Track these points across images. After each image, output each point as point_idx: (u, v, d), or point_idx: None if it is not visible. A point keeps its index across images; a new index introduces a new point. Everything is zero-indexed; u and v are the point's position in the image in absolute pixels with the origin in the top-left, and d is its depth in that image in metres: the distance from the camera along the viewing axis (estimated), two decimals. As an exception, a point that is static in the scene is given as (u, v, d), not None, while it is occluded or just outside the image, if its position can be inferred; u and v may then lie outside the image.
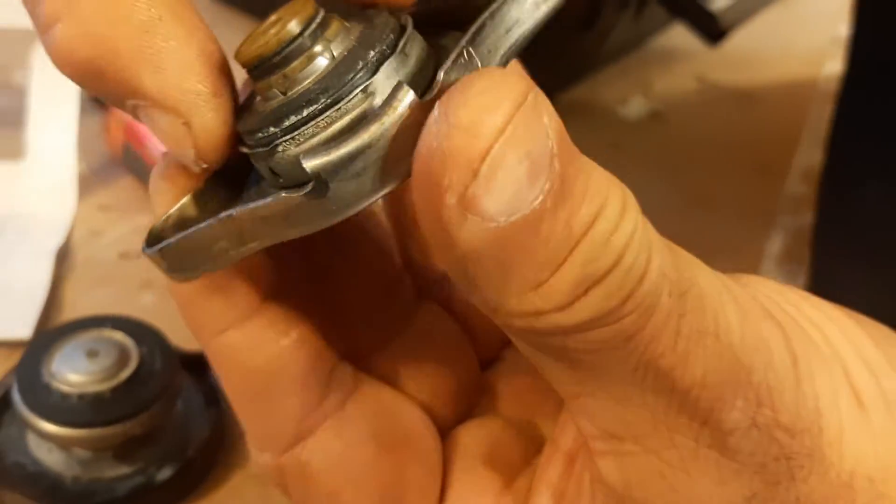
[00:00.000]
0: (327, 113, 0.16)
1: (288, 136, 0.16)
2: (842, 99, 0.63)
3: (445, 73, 0.16)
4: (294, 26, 0.17)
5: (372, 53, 0.16)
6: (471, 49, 0.16)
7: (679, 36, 0.73)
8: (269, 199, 0.16)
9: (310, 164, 0.15)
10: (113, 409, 0.33)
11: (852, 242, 0.61)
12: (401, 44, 0.17)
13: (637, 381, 0.17)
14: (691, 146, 0.63)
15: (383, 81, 0.16)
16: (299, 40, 0.17)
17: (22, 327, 0.41)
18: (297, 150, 0.16)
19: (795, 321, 0.19)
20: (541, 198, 0.15)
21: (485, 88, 0.15)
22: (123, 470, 0.34)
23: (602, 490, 0.18)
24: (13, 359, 0.38)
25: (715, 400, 0.17)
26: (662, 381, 0.16)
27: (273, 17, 0.17)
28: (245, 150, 0.17)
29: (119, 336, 0.36)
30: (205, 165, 0.17)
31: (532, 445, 0.22)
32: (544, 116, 0.15)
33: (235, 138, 0.17)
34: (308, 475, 0.20)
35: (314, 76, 0.16)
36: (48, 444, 0.34)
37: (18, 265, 0.45)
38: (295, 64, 0.17)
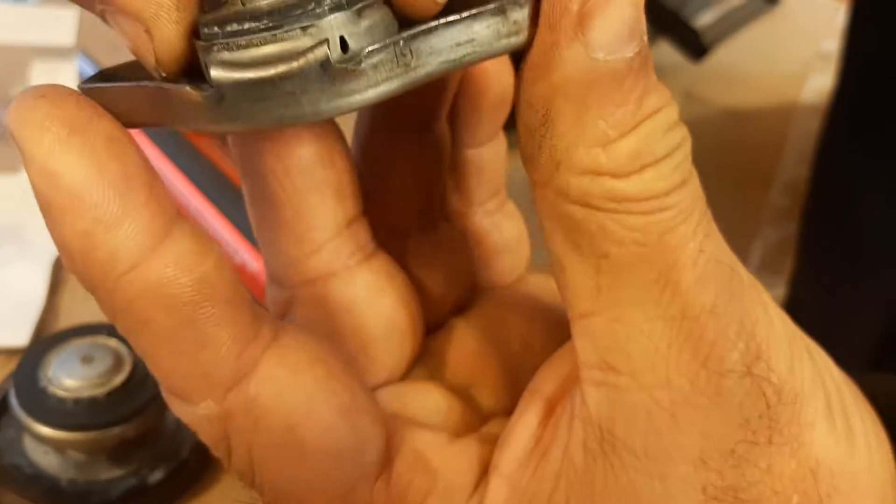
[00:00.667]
0: (263, 34, 0.17)
1: (224, 41, 0.17)
2: (831, 112, 0.64)
3: (367, 54, 0.16)
4: None
5: (328, 2, 0.17)
6: (410, 45, 0.17)
7: (663, 52, 0.74)
8: (176, 85, 0.17)
9: (213, 73, 0.16)
10: (107, 413, 0.34)
11: (838, 252, 0.62)
12: (360, 5, 0.17)
13: (652, 297, 0.17)
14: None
15: (326, 29, 0.17)
16: None
17: (19, 334, 0.42)
18: (224, 55, 0.17)
19: (790, 322, 0.20)
20: (633, 54, 0.17)
21: None
22: (117, 472, 0.35)
23: (583, 427, 0.19)
24: (10, 365, 0.38)
25: (720, 333, 0.18)
26: (675, 301, 0.17)
27: None
28: (196, 41, 0.18)
29: (113, 343, 0.36)
30: (164, 74, 0.17)
31: (473, 413, 0.23)
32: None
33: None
34: (259, 413, 0.19)
35: (268, 1, 0.17)
36: (44, 446, 0.35)
37: (16, 275, 0.46)
38: None
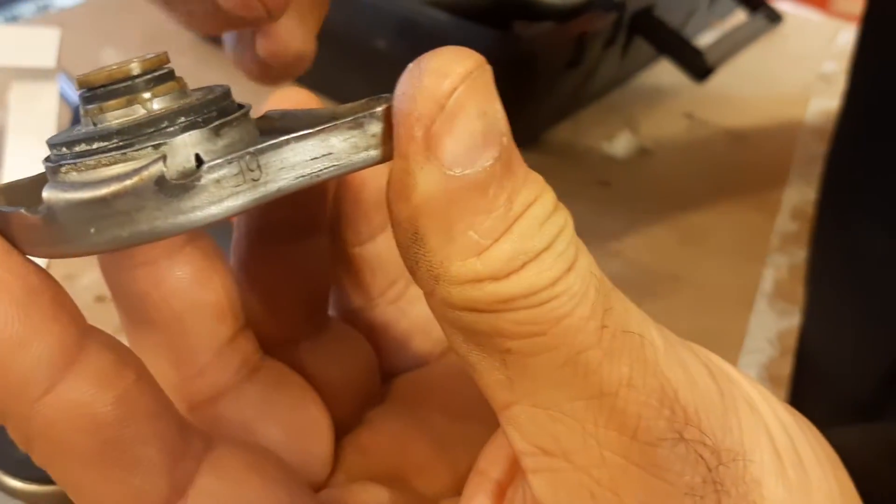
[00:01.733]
0: (112, 153, 0.17)
1: (72, 161, 0.17)
2: (836, 136, 0.63)
3: (207, 168, 0.16)
4: (132, 68, 0.18)
5: (183, 119, 0.17)
6: (259, 159, 0.17)
7: (665, 72, 0.73)
8: (13, 208, 0.17)
9: (46, 193, 0.16)
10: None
11: (847, 278, 0.60)
12: (217, 122, 0.17)
13: (566, 380, 0.17)
14: (681, 183, 0.63)
15: (180, 147, 0.17)
16: (126, 83, 0.18)
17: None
18: (73, 176, 0.17)
19: (722, 371, 0.19)
20: (492, 161, 0.17)
21: (454, 50, 0.17)
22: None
23: None
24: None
25: (642, 405, 0.17)
26: (590, 380, 0.17)
27: (134, 57, 0.18)
28: (44, 161, 0.18)
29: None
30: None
31: (419, 501, 0.23)
32: (497, 95, 0.17)
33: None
34: None
35: (123, 119, 0.17)
36: (14, 501, 0.33)
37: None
38: (112, 102, 0.18)
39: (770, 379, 0.49)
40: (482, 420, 0.21)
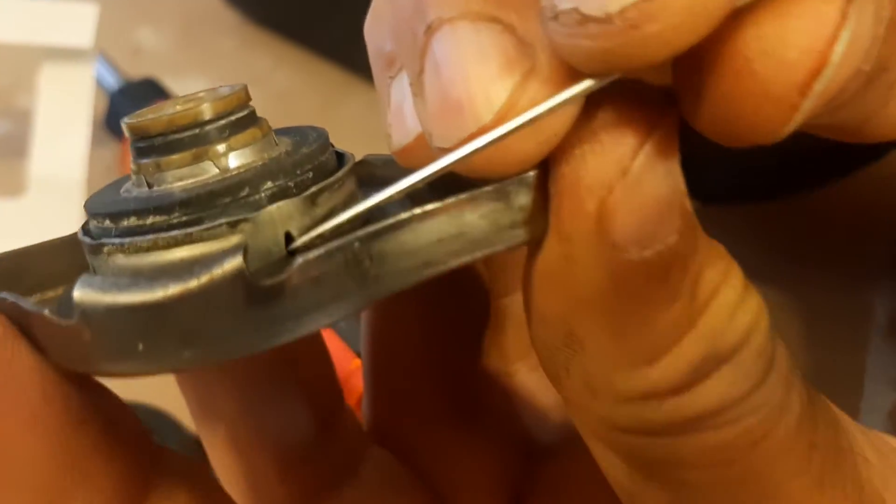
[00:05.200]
0: (173, 232, 0.13)
1: (118, 240, 0.14)
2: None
3: (302, 264, 0.13)
4: (202, 110, 0.14)
5: (270, 184, 0.14)
6: (370, 247, 0.13)
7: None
8: (32, 307, 0.14)
9: (78, 293, 0.13)
10: None
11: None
12: (314, 189, 0.14)
13: None
14: (777, 207, 0.57)
15: (266, 225, 0.13)
16: (193, 131, 0.14)
17: None
18: (119, 260, 0.14)
19: None
20: (675, 236, 0.13)
21: (636, 91, 0.14)
22: None
23: None
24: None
25: None
26: None
27: (202, 92, 0.15)
28: (79, 233, 0.15)
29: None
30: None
31: None
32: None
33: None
34: None
35: (189, 181, 0.14)
36: None
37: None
38: (175, 157, 0.14)
39: (894, 426, 0.43)
40: None
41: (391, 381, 0.21)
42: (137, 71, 0.54)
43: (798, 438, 0.14)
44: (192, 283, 0.12)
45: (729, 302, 0.14)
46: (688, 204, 0.14)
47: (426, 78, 0.14)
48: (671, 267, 0.14)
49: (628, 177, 0.13)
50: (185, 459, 0.16)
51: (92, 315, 0.13)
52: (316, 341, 0.21)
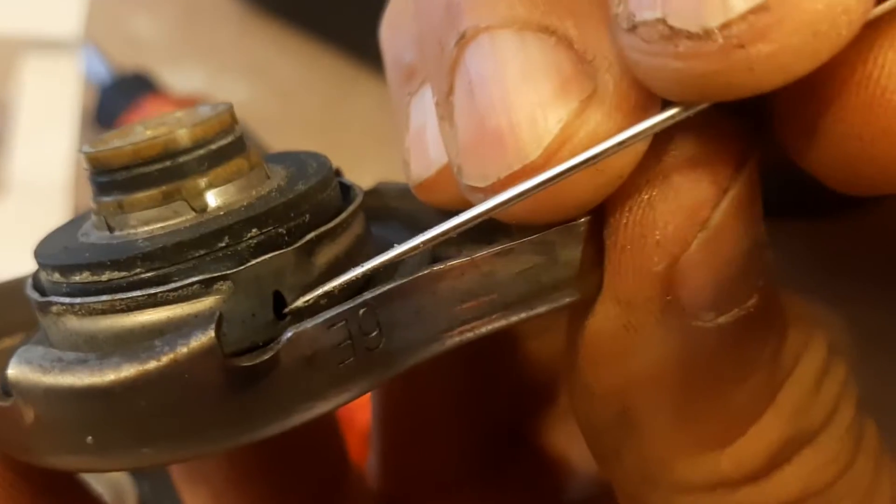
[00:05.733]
0: (134, 293, 0.12)
1: (69, 300, 0.12)
2: None
3: (290, 339, 0.11)
4: (177, 136, 0.12)
5: (255, 231, 0.12)
6: (379, 313, 0.11)
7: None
8: None
9: (12, 370, 0.11)
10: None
11: None
12: (311, 235, 0.12)
13: None
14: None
15: (249, 284, 0.11)
16: (163, 163, 0.12)
17: None
18: (71, 323, 0.12)
19: None
20: (756, 298, 0.12)
21: (714, 138, 0.12)
22: None
23: None
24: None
25: None
26: None
27: (178, 113, 0.13)
28: (28, 284, 0.13)
29: (115, 476, 0.30)
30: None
31: None
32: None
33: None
34: None
35: (154, 225, 0.12)
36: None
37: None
38: (141, 196, 0.12)
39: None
40: None
41: (405, 447, 0.20)
42: (131, 62, 0.53)
43: None
44: (150, 365, 0.10)
45: (814, 371, 0.13)
46: (770, 257, 0.12)
47: (456, 100, 0.12)
48: (751, 334, 0.12)
49: (707, 230, 0.12)
50: None
51: (31, 398, 0.11)
52: None
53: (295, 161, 0.14)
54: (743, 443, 0.13)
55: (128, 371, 0.11)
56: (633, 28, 0.10)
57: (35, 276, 0.13)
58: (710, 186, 0.12)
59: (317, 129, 0.55)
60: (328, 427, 0.19)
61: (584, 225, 0.12)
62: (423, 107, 0.13)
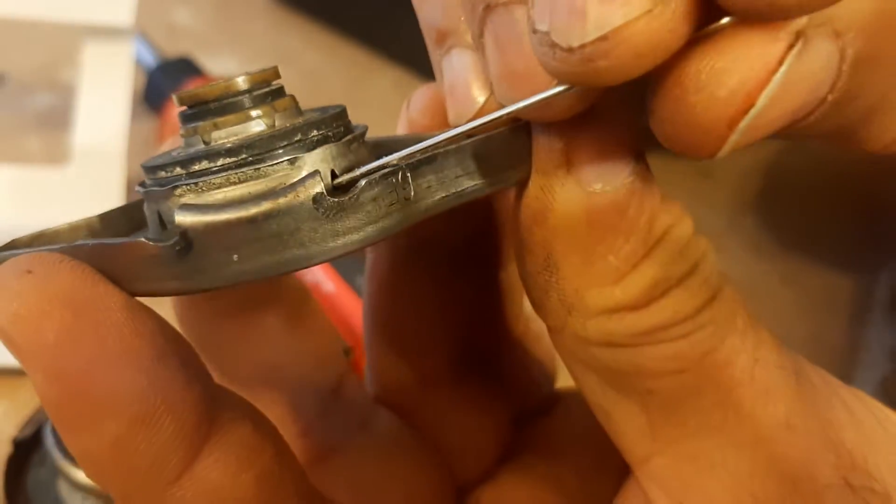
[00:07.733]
0: (244, 169, 0.15)
1: (192, 181, 0.15)
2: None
3: (364, 186, 0.15)
4: (243, 82, 0.16)
5: (315, 133, 0.16)
6: (409, 175, 0.15)
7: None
8: (123, 239, 0.15)
9: (179, 217, 0.14)
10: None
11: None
12: (349, 137, 0.16)
13: (715, 425, 0.16)
14: (788, 176, 0.58)
15: (316, 162, 0.15)
16: (243, 97, 0.16)
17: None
18: (189, 199, 0.15)
19: (882, 410, 0.18)
20: (632, 178, 0.15)
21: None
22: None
23: None
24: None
25: (803, 450, 0.16)
26: (743, 424, 0.16)
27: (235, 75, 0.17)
28: (140, 189, 0.16)
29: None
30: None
31: None
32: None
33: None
34: None
35: (244, 135, 0.16)
36: (81, 492, 0.31)
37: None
38: (230, 116, 0.16)
39: (885, 394, 0.45)
40: (617, 474, 0.19)
41: (396, 341, 0.22)
42: (173, 49, 0.56)
43: (741, 352, 0.16)
44: (281, 200, 0.14)
45: (679, 239, 0.16)
46: (642, 154, 0.16)
47: (486, 41, 0.15)
48: (629, 201, 0.15)
49: (586, 119, 0.15)
50: (239, 397, 0.17)
51: (193, 233, 0.14)
52: (322, 317, 0.22)
53: (317, 109, 0.18)
54: (629, 279, 0.16)
55: (266, 205, 0.14)
56: (534, 32, 0.14)
57: (141, 185, 0.17)
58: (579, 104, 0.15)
59: (338, 110, 0.59)
60: (328, 335, 0.22)
61: (526, 125, 0.16)
62: (452, 64, 0.17)
